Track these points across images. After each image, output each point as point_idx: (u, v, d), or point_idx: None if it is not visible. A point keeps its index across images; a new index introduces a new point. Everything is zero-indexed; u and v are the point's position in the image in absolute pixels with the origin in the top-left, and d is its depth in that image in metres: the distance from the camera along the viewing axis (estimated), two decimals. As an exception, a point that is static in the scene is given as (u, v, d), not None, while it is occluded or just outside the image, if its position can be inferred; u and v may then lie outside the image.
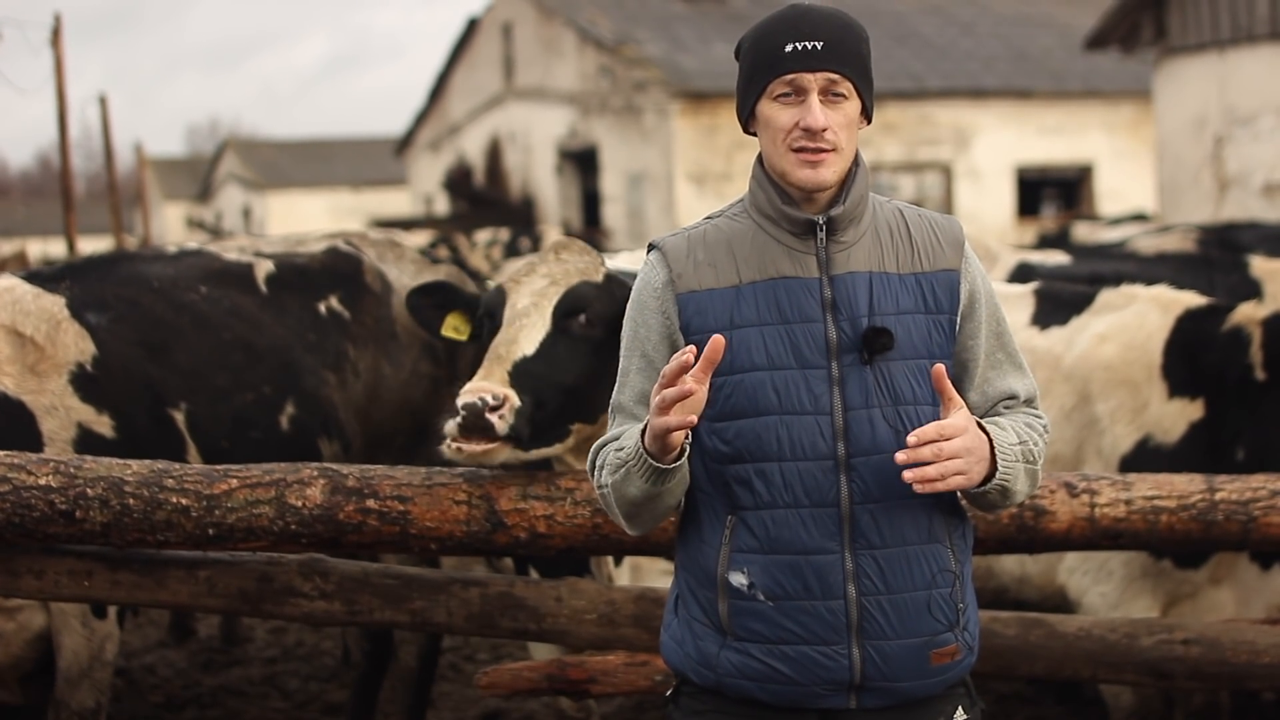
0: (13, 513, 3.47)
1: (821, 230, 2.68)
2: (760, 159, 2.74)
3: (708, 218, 2.81)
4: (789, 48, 2.64)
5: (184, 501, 3.52)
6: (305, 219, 39.23)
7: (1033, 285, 5.12)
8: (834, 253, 2.69)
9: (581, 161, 28.23)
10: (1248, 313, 4.52)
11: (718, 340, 2.48)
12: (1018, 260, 7.19)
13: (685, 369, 2.46)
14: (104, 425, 4.25)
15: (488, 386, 3.59)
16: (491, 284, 4.64)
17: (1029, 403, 2.84)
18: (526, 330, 3.74)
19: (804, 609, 2.64)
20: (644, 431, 2.57)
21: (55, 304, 4.36)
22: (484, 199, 30.64)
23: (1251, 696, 5.02)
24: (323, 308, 4.97)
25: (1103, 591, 4.56)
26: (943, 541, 2.70)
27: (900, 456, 2.53)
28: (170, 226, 46.42)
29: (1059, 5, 29.88)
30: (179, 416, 4.45)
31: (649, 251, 2.80)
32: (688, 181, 24.53)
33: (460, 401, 3.57)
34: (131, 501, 3.51)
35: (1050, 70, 27.26)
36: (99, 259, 4.93)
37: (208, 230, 35.78)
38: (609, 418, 2.80)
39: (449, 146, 33.24)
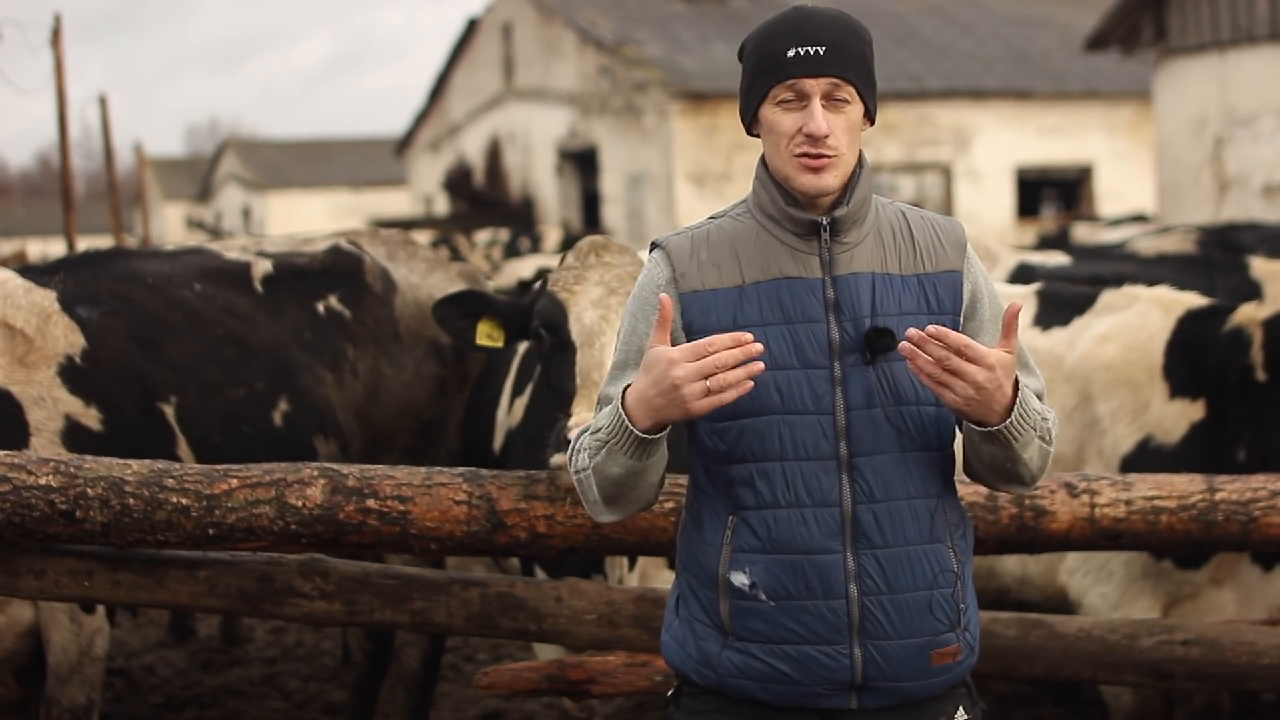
0: (13, 512, 3.47)
1: (825, 231, 2.68)
2: (764, 160, 2.74)
3: (711, 218, 2.81)
4: (791, 52, 2.63)
5: (184, 501, 3.52)
6: (305, 219, 39.25)
7: (1035, 286, 5.13)
8: (837, 253, 2.69)
9: (581, 162, 28.24)
10: (1249, 313, 4.52)
11: (666, 300, 2.51)
12: (1018, 261, 7.21)
13: (739, 344, 2.46)
14: (91, 417, 4.27)
15: (589, 417, 3.55)
16: (491, 282, 4.63)
17: (1038, 397, 2.83)
18: (609, 350, 3.72)
19: (805, 609, 2.64)
20: (624, 403, 2.56)
21: (46, 298, 4.38)
22: (484, 199, 30.66)
23: (1252, 697, 5.02)
24: (321, 307, 4.95)
25: (1103, 592, 4.56)
26: (944, 542, 2.70)
27: (911, 333, 2.50)
28: (170, 227, 46.43)
29: (1059, 6, 29.89)
30: (169, 410, 4.46)
31: (652, 250, 2.80)
32: (688, 182, 24.53)
33: (569, 436, 3.54)
34: (132, 501, 3.50)
35: (1050, 71, 27.27)
36: (94, 254, 4.93)
37: (207, 230, 35.78)
38: (596, 408, 2.80)
39: (449, 147, 33.25)
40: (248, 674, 6.91)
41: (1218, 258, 7.25)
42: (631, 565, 4.39)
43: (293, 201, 44.71)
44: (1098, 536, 3.70)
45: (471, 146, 32.11)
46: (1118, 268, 6.93)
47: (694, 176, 24.54)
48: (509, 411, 4.73)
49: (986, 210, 25.76)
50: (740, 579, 2.66)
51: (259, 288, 4.89)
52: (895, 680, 2.67)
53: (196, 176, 54.28)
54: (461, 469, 3.66)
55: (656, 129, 25.14)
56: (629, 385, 2.58)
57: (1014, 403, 2.58)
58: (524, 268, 9.35)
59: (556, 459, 3.57)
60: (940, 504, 2.71)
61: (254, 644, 7.42)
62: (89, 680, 4.28)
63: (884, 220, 2.74)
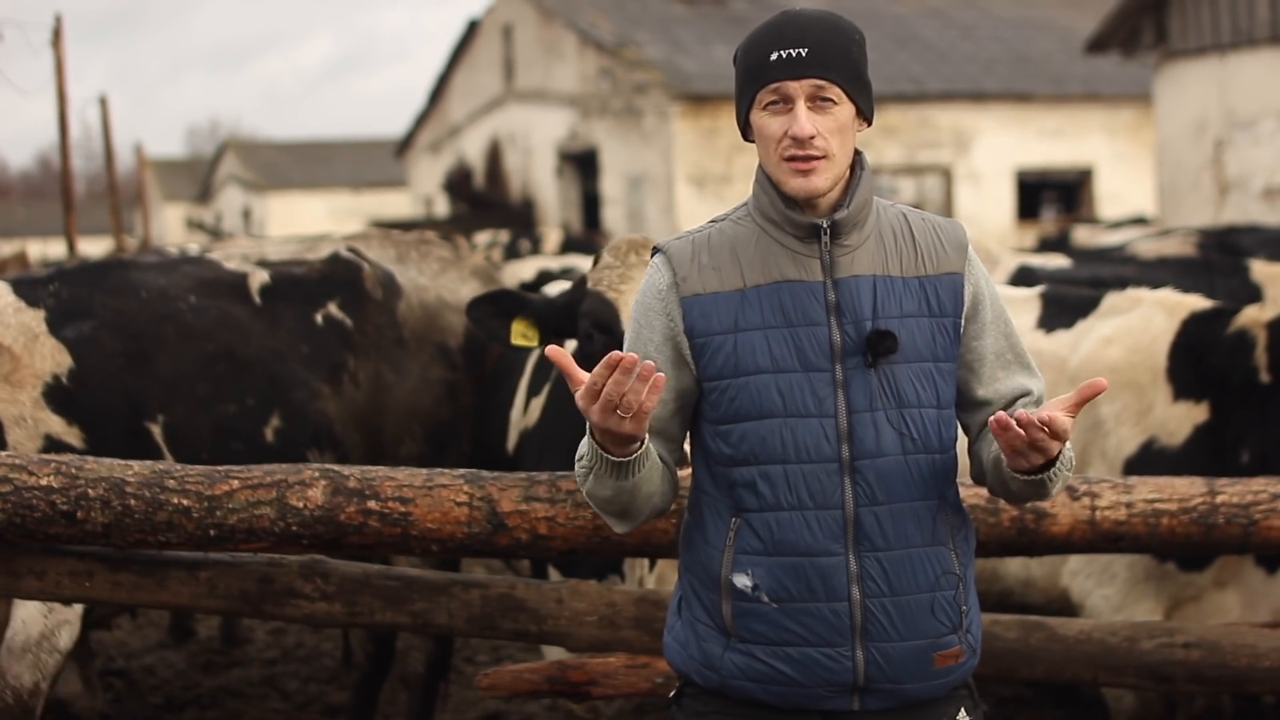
0: (14, 513, 3.47)
1: (825, 234, 2.68)
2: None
3: (712, 221, 2.81)
4: (774, 56, 2.64)
5: (185, 502, 3.52)
6: (305, 220, 39.27)
7: (1039, 289, 5.13)
8: (838, 256, 2.69)
9: (581, 163, 28.24)
10: (1253, 315, 4.52)
11: (554, 351, 2.52)
12: (1018, 263, 7.21)
13: (617, 366, 2.44)
14: (73, 436, 4.27)
15: None
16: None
17: (1040, 401, 2.84)
18: None
19: (808, 611, 2.64)
20: (592, 431, 2.58)
21: (34, 319, 4.38)
22: (484, 201, 30.65)
23: (1252, 700, 5.02)
24: (319, 317, 4.92)
25: (1106, 594, 4.56)
26: (946, 544, 2.71)
27: (1020, 416, 2.50)
28: (170, 228, 46.42)
29: (1059, 8, 29.89)
30: (156, 429, 4.45)
31: (653, 255, 2.80)
32: (688, 184, 24.53)
33: None
34: (133, 502, 3.50)
35: (1050, 73, 27.27)
36: (91, 265, 4.93)
37: (208, 231, 35.81)
38: None
39: (449, 148, 33.25)
40: (248, 675, 6.91)
41: (1218, 261, 7.25)
42: (651, 565, 4.38)
43: (293, 203, 44.70)
44: (1098, 539, 3.70)
45: (471, 148, 32.10)
46: (1118, 270, 6.93)
47: (694, 178, 24.54)
48: (524, 412, 4.72)
49: (987, 212, 25.76)
50: (743, 581, 2.67)
51: (257, 299, 4.86)
52: (897, 682, 2.67)
53: (197, 177, 54.28)
54: (462, 470, 3.65)
55: (657, 131, 25.14)
56: None
57: (1060, 455, 2.61)
58: (524, 269, 9.34)
59: None
60: (942, 506, 2.71)
61: (254, 645, 7.42)
62: (41, 666, 4.18)
63: (885, 222, 2.74)
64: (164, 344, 4.56)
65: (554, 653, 4.34)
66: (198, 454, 4.44)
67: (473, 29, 31.73)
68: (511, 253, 16.56)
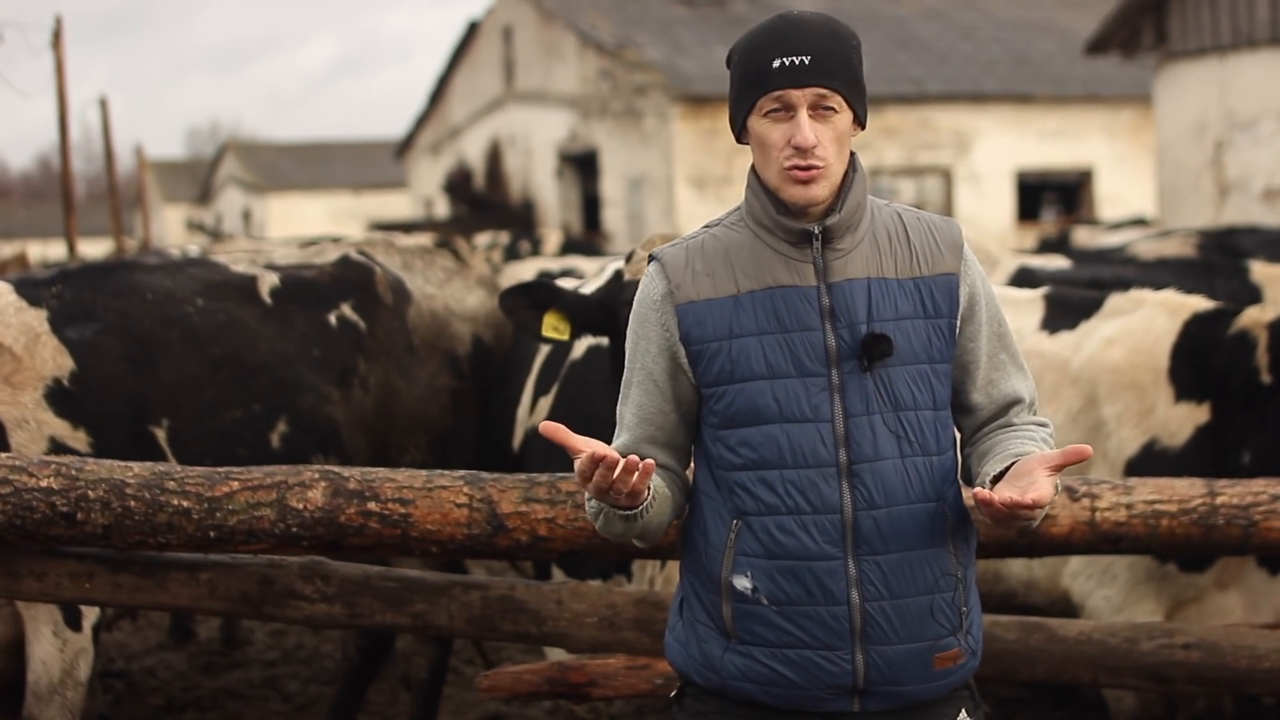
0: (14, 514, 3.48)
1: (817, 240, 2.67)
2: (755, 168, 2.73)
3: (706, 226, 2.80)
4: (776, 63, 2.62)
5: (185, 504, 3.52)
6: (305, 222, 39.26)
7: (1043, 290, 5.13)
8: (831, 260, 2.68)
9: (582, 165, 28.24)
10: (1254, 316, 4.53)
11: (547, 427, 2.53)
12: (1018, 265, 7.20)
13: (600, 461, 2.49)
14: (79, 440, 4.21)
15: None
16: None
17: (1030, 406, 2.84)
18: None
19: (807, 614, 2.64)
20: None
21: (36, 318, 4.32)
22: (484, 202, 30.65)
23: (1252, 701, 5.02)
24: (332, 320, 4.86)
25: (1107, 595, 4.56)
26: (945, 546, 2.71)
27: (981, 494, 2.53)
28: (170, 229, 46.42)
29: (1059, 10, 29.90)
30: (160, 433, 4.40)
31: (649, 263, 2.80)
32: (688, 185, 24.53)
33: None
34: (133, 504, 3.51)
35: (1050, 75, 27.27)
36: (94, 266, 4.85)
37: (208, 233, 35.79)
38: (618, 423, 2.81)
39: (449, 149, 33.25)
40: (248, 676, 6.91)
41: (1218, 262, 7.25)
42: (663, 563, 4.38)
43: (293, 204, 44.69)
44: (1098, 540, 3.70)
45: (472, 149, 32.11)
46: (1118, 271, 6.93)
47: (694, 179, 24.54)
48: (531, 411, 4.72)
49: (987, 214, 25.76)
50: (743, 583, 2.67)
51: (267, 300, 4.80)
52: (897, 684, 2.67)
53: (197, 179, 54.27)
54: (462, 472, 3.66)
55: (657, 132, 25.15)
56: None
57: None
58: (524, 270, 9.33)
59: None
60: (941, 508, 2.71)
61: (254, 646, 7.41)
62: (70, 705, 4.13)
63: (879, 224, 2.74)
64: (169, 348, 4.50)
65: (554, 654, 4.34)
66: (201, 460, 4.39)
67: (473, 30, 31.73)
68: (512, 254, 16.57)
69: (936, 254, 2.73)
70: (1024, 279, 6.71)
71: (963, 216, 24.42)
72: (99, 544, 3.59)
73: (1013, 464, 2.63)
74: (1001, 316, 2.82)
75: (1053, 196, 28.38)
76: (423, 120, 34.95)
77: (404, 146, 36.65)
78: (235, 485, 3.54)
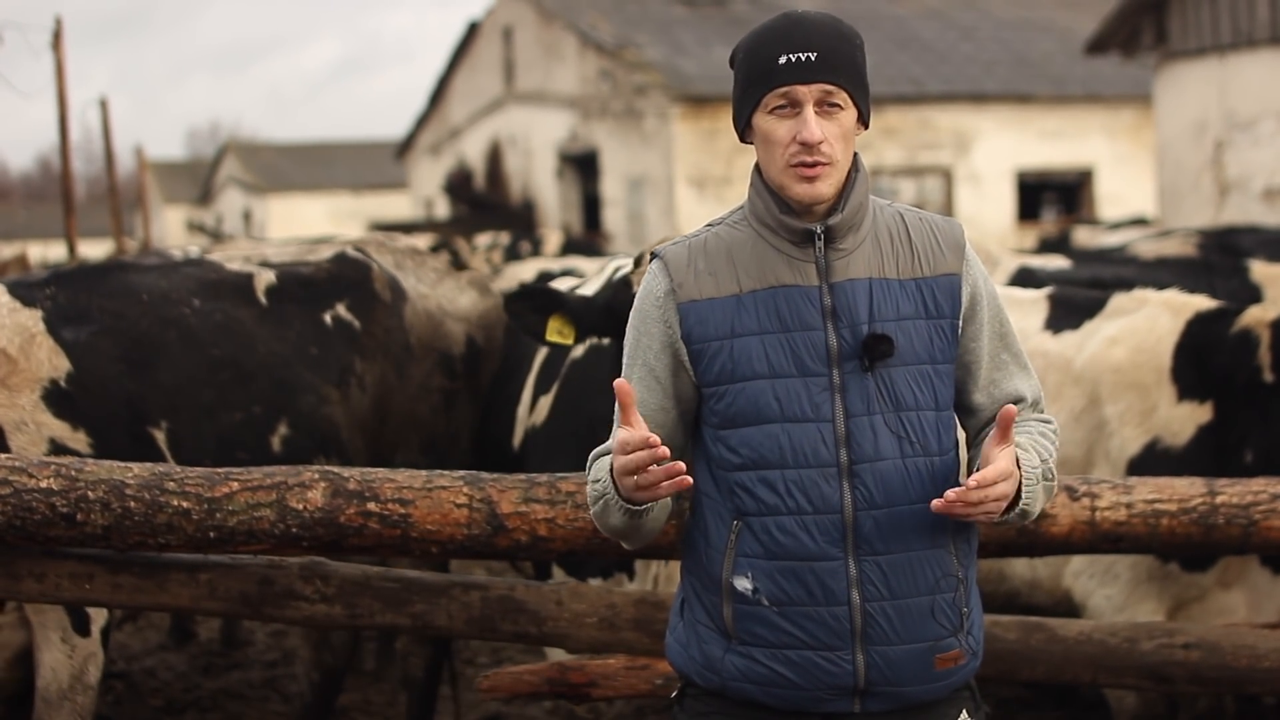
0: (14, 515, 3.48)
1: (820, 239, 2.67)
2: (758, 167, 2.74)
3: (709, 225, 2.81)
4: (783, 59, 2.62)
5: (185, 504, 3.52)
6: (305, 222, 39.24)
7: (1046, 290, 5.14)
8: (833, 260, 2.68)
9: (582, 165, 28.24)
10: (1256, 315, 4.53)
11: (622, 385, 2.54)
12: (1018, 264, 7.20)
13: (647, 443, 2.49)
14: (79, 442, 4.17)
15: None
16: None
17: (1035, 405, 2.84)
18: None
19: (808, 615, 2.64)
20: (614, 470, 2.60)
21: (31, 318, 4.27)
22: (484, 202, 30.65)
23: (1252, 701, 5.02)
24: (328, 318, 4.83)
25: (1108, 594, 4.56)
26: (946, 546, 2.70)
27: (937, 505, 2.55)
28: (170, 230, 46.42)
29: (1059, 10, 29.90)
30: (159, 435, 4.36)
31: (651, 260, 2.80)
32: (688, 185, 24.53)
33: None
34: (132, 504, 3.51)
35: (1051, 75, 27.27)
36: (90, 268, 4.80)
37: (208, 234, 35.79)
38: (614, 422, 2.81)
39: (449, 150, 33.25)
40: (248, 677, 6.91)
41: (1218, 261, 7.25)
42: (667, 560, 4.37)
43: (293, 204, 44.69)
44: (1098, 540, 3.70)
45: (472, 150, 32.11)
46: (1118, 271, 6.93)
47: (694, 180, 24.54)
48: (531, 410, 4.72)
49: (987, 213, 25.76)
50: (743, 584, 2.67)
51: (263, 299, 4.76)
52: (898, 685, 2.67)
53: (197, 179, 54.27)
54: (462, 472, 3.66)
55: (657, 132, 25.15)
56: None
57: (1021, 483, 2.63)
58: (525, 271, 9.33)
59: None
60: (942, 508, 2.70)
61: (254, 647, 7.42)
62: (80, 710, 4.10)
63: (881, 224, 2.74)
64: (166, 350, 4.46)
65: (555, 654, 4.34)
66: (201, 462, 4.36)
67: (473, 31, 31.73)
68: (512, 254, 16.56)
69: (938, 254, 2.73)
70: (1024, 279, 6.72)
71: (963, 216, 24.41)
72: (99, 545, 3.59)
73: None
74: (1004, 316, 2.82)
75: (1053, 196, 28.38)
76: (423, 121, 34.95)
77: (404, 147, 36.66)
78: (235, 486, 3.54)
